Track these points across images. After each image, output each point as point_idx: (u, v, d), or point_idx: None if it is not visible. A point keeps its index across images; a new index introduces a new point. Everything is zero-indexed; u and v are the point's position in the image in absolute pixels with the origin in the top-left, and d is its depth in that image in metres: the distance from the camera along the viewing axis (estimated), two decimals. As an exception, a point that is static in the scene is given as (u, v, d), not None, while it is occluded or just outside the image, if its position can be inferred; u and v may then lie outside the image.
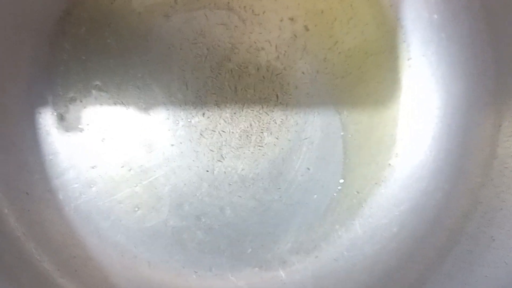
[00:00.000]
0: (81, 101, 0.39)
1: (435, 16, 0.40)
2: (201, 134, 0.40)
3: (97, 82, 0.39)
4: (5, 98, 0.37)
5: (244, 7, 0.40)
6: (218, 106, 0.40)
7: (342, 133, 0.42)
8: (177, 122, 0.40)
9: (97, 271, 0.39)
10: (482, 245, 0.36)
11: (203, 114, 0.40)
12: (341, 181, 0.42)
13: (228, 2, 0.40)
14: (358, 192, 0.42)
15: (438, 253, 0.39)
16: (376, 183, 0.43)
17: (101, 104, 0.39)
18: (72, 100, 0.39)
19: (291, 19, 0.40)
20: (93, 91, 0.39)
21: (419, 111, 0.42)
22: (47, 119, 0.39)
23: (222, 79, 0.40)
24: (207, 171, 0.41)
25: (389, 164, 0.43)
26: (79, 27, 0.39)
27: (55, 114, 0.39)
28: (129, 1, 0.39)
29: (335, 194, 0.42)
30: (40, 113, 0.39)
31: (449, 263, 0.38)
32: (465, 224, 0.38)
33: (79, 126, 0.39)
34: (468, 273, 0.36)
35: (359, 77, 0.41)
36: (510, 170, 0.36)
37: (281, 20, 0.40)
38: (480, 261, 0.35)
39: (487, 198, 0.37)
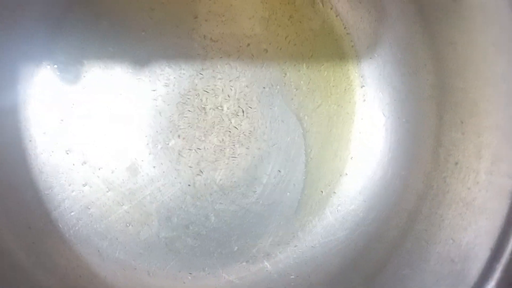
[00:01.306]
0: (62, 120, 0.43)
1: (375, 23, 0.44)
2: (179, 154, 0.45)
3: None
4: (4, 148, 0.41)
5: (204, 36, 0.43)
6: (191, 127, 0.45)
7: (305, 136, 0.46)
8: (156, 146, 0.44)
9: (102, 286, 0.44)
10: (434, 225, 0.41)
11: (179, 136, 0.45)
12: (309, 177, 0.47)
13: (188, 32, 0.43)
14: (326, 185, 0.47)
15: (400, 233, 0.44)
16: (341, 175, 0.48)
17: (84, 129, 0.43)
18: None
19: (248, 45, 0.44)
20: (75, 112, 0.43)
21: (371, 107, 0.47)
22: (37, 159, 0.43)
23: (191, 102, 0.44)
24: (189, 185, 0.45)
25: (351, 157, 0.47)
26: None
27: (43, 156, 0.43)
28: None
29: (305, 190, 0.47)
30: (29, 154, 0.43)
31: (409, 242, 0.43)
32: (420, 206, 0.43)
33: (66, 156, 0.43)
34: (424, 250, 0.41)
35: (316, 85, 0.45)
36: (453, 157, 0.41)
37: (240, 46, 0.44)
38: (433, 239, 0.41)
39: (436, 182, 0.42)
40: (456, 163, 0.40)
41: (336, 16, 0.45)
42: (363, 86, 0.46)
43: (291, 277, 0.47)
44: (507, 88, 0.35)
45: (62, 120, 0.43)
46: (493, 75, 0.36)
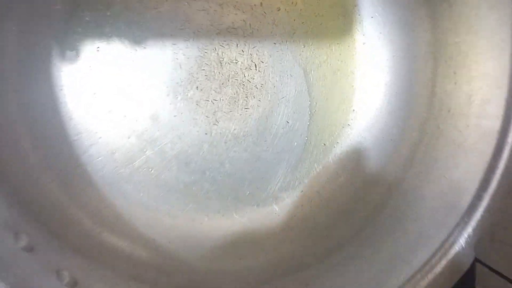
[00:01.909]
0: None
1: (378, -17, 0.48)
2: (197, 104, 0.49)
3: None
4: (37, 95, 0.44)
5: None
6: (208, 79, 0.49)
7: (311, 90, 0.50)
8: (176, 96, 0.48)
9: (127, 225, 0.48)
10: (428, 166, 0.46)
11: (197, 87, 0.48)
12: (315, 128, 0.51)
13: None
14: (330, 135, 0.52)
15: (397, 177, 0.49)
16: (343, 127, 0.52)
17: (110, 79, 0.47)
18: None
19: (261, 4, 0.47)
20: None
21: (372, 63, 0.51)
22: (67, 107, 0.46)
23: (208, 56, 0.48)
24: (206, 133, 0.49)
25: (353, 110, 0.52)
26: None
27: (72, 104, 0.47)
28: None
29: (311, 140, 0.51)
30: (60, 102, 0.46)
31: (405, 183, 0.47)
32: (415, 151, 0.48)
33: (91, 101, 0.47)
34: (419, 189, 0.46)
35: (321, 42, 0.50)
36: (446, 105, 0.45)
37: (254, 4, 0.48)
38: (427, 178, 0.45)
39: (430, 128, 0.47)
40: (449, 110, 0.45)
41: (341, -23, 0.49)
42: (365, 43, 0.50)
43: (298, 218, 0.52)
44: (497, 40, 0.40)
45: (90, 68, 0.46)
46: (484, 29, 0.41)
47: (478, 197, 0.40)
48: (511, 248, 0.39)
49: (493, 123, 0.40)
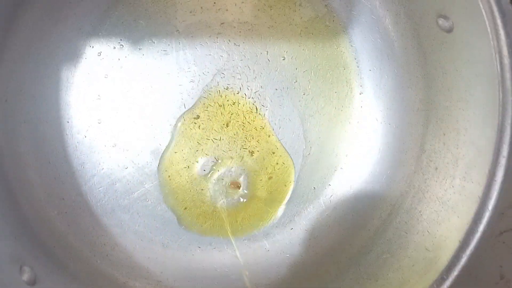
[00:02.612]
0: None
1: (379, 41, 0.50)
2: (198, 142, 0.51)
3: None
4: (45, 127, 0.46)
5: (228, 40, 0.49)
6: (210, 120, 0.51)
7: (307, 134, 0.53)
8: (178, 134, 0.50)
9: (122, 254, 0.50)
10: (413, 218, 0.49)
11: (199, 126, 0.51)
12: (308, 170, 0.54)
13: (215, 36, 0.49)
14: (322, 177, 0.54)
15: (383, 223, 0.51)
16: (335, 170, 0.54)
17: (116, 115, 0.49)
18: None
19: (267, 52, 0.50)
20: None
21: (367, 112, 0.53)
22: (73, 138, 0.48)
23: (212, 98, 0.50)
24: (204, 170, 0.52)
25: (346, 155, 0.54)
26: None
27: (78, 136, 0.48)
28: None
29: (304, 181, 0.54)
30: (67, 134, 0.48)
31: (391, 231, 0.50)
32: (402, 201, 0.50)
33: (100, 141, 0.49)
34: (403, 239, 0.48)
35: (320, 90, 0.52)
36: (434, 163, 0.48)
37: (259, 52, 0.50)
38: (412, 230, 0.48)
39: (417, 182, 0.49)
40: (436, 168, 0.48)
41: (343, 31, 0.51)
42: (362, 93, 0.53)
43: (286, 255, 0.54)
44: (483, 113, 0.42)
45: (97, 106, 0.48)
46: (473, 100, 0.43)
47: (457, 256, 0.43)
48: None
49: (476, 188, 0.43)
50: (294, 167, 0.53)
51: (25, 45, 0.44)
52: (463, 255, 0.43)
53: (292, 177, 0.53)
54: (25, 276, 0.39)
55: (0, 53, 0.43)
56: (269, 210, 0.53)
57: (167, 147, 0.50)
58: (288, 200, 0.54)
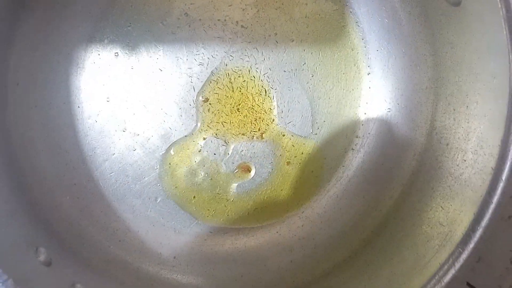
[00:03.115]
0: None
1: (386, 20, 0.51)
2: (208, 126, 0.51)
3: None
4: (56, 112, 0.46)
5: (236, 22, 0.49)
6: (219, 103, 0.51)
7: (317, 116, 0.53)
8: (188, 117, 0.50)
9: (135, 239, 0.50)
10: (426, 195, 0.48)
11: (208, 110, 0.51)
12: (319, 151, 0.54)
13: (223, 19, 0.49)
14: (333, 159, 0.54)
15: (395, 203, 0.51)
16: (346, 151, 0.54)
17: (126, 99, 0.49)
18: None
19: (276, 34, 0.50)
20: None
21: (375, 93, 0.53)
22: (84, 123, 0.48)
23: (221, 81, 0.50)
24: (214, 154, 0.52)
25: (356, 136, 0.54)
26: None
27: (89, 121, 0.48)
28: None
29: (315, 163, 0.54)
30: (77, 119, 0.48)
31: (403, 210, 0.50)
32: (413, 180, 0.50)
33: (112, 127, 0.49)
34: (417, 216, 0.48)
35: (328, 72, 0.52)
36: (444, 139, 0.48)
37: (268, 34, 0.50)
38: (425, 207, 0.48)
39: (429, 160, 0.49)
40: (447, 144, 0.48)
41: (350, 11, 0.52)
42: (369, 73, 0.53)
43: (298, 238, 0.54)
44: (495, 84, 0.42)
45: (107, 91, 0.48)
46: (484, 72, 0.43)
47: (472, 228, 0.43)
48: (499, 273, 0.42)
49: (489, 160, 0.43)
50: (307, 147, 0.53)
51: (36, 28, 0.44)
52: (479, 227, 0.42)
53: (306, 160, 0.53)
54: (41, 257, 0.39)
55: (11, 38, 0.43)
56: (282, 198, 0.53)
57: (177, 130, 0.50)
58: (298, 183, 0.54)
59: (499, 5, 0.39)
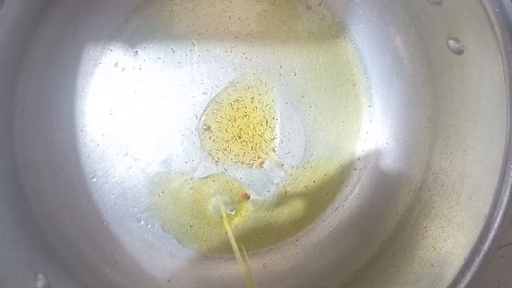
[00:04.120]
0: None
1: (389, 58, 0.51)
2: (209, 153, 0.52)
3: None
4: (60, 135, 0.47)
5: (242, 54, 0.50)
6: (221, 131, 0.51)
7: (316, 148, 0.54)
8: (189, 144, 0.51)
9: (131, 261, 0.51)
10: (419, 233, 0.49)
11: (210, 137, 0.51)
12: (316, 183, 0.54)
13: (229, 50, 0.50)
14: (330, 191, 0.55)
15: (388, 237, 0.52)
16: (342, 183, 0.55)
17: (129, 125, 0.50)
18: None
19: (281, 66, 0.51)
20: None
21: (375, 127, 0.54)
22: (86, 146, 0.49)
23: (224, 110, 0.51)
24: (214, 180, 0.52)
25: (354, 169, 0.55)
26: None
27: (92, 144, 0.49)
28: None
29: (311, 195, 0.55)
30: (80, 143, 0.49)
31: (396, 246, 0.51)
32: (407, 217, 0.51)
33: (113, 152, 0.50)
34: (408, 254, 0.49)
35: (329, 105, 0.53)
36: (440, 180, 0.49)
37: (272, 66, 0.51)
38: (417, 246, 0.49)
39: (423, 198, 0.50)
40: (442, 185, 0.49)
41: (354, 47, 0.52)
42: (370, 108, 0.54)
43: (291, 266, 0.55)
44: (492, 132, 0.43)
45: (111, 115, 0.49)
46: (481, 120, 0.44)
47: (462, 273, 0.44)
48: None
49: (482, 207, 0.44)
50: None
51: (43, 55, 0.45)
52: (468, 272, 0.43)
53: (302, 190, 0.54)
54: (40, 283, 0.39)
55: (19, 62, 0.43)
56: (279, 223, 0.54)
57: (178, 156, 0.51)
58: (294, 212, 0.54)
59: (500, 59, 0.40)
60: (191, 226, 0.52)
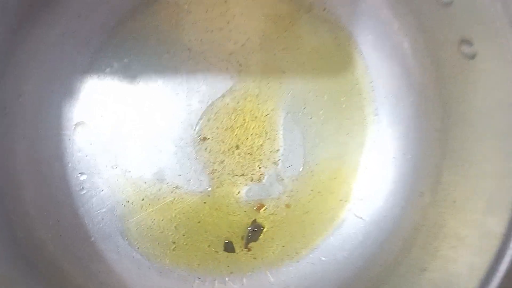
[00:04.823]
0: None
1: (395, 68, 0.49)
2: (204, 165, 0.49)
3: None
4: (45, 144, 0.44)
5: (240, 62, 0.48)
6: (217, 143, 0.49)
7: (318, 161, 0.51)
8: (183, 156, 0.48)
9: (118, 282, 0.47)
10: (428, 254, 0.46)
11: (205, 149, 0.48)
12: (317, 200, 0.51)
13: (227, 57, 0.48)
14: (332, 208, 0.52)
15: (395, 258, 0.49)
16: (345, 201, 0.52)
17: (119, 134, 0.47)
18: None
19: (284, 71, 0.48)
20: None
21: (380, 140, 0.51)
22: (73, 156, 0.46)
23: (221, 119, 0.48)
24: (209, 195, 0.49)
25: (358, 184, 0.52)
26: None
27: (79, 154, 0.46)
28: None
29: (312, 212, 0.51)
30: (67, 152, 0.46)
31: (403, 267, 0.47)
32: (415, 236, 0.48)
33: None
34: (417, 276, 0.46)
35: (332, 116, 0.50)
36: (450, 195, 0.46)
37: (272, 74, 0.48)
38: (426, 267, 0.45)
39: (433, 216, 0.47)
40: (454, 202, 0.45)
41: (360, 56, 0.50)
42: (376, 120, 0.51)
43: (290, 289, 0.51)
44: (505, 143, 0.40)
45: (100, 123, 0.46)
46: (494, 131, 0.41)
47: (477, 298, 0.40)
48: None
49: (498, 223, 0.40)
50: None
51: (29, 58, 0.43)
52: (484, 297, 0.40)
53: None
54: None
55: (3, 64, 0.41)
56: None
57: (171, 169, 0.48)
58: (296, 229, 0.51)
59: (516, 64, 0.37)
60: (184, 244, 0.49)
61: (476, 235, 0.42)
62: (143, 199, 0.48)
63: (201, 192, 0.49)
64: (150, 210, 0.48)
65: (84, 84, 0.46)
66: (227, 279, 0.50)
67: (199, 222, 0.49)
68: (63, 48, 0.45)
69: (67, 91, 0.45)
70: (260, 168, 0.50)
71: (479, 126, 0.43)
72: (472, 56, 0.42)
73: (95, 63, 0.46)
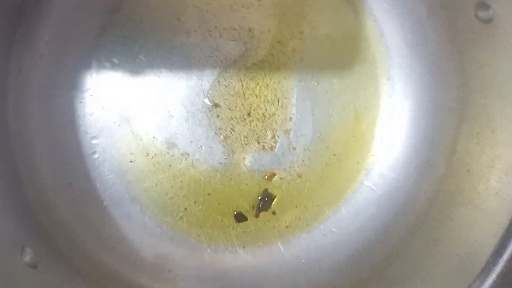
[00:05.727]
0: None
1: (410, 35, 0.48)
2: (215, 133, 0.48)
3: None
4: (57, 106, 0.44)
5: (251, 29, 0.47)
6: (230, 109, 0.48)
7: (332, 132, 0.50)
8: (195, 122, 0.48)
9: (129, 248, 0.47)
10: (442, 224, 0.45)
11: (217, 116, 0.48)
12: (330, 171, 0.51)
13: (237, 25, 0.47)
14: (344, 179, 0.51)
15: (409, 230, 0.48)
16: (358, 172, 0.51)
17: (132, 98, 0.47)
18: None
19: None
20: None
21: (395, 112, 0.51)
22: (85, 119, 0.46)
23: (233, 86, 0.48)
24: (220, 163, 0.49)
25: (372, 155, 0.51)
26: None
27: (91, 118, 0.46)
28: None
29: (324, 183, 0.51)
30: (79, 115, 0.46)
31: (417, 238, 0.47)
32: (429, 207, 0.47)
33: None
34: (432, 246, 0.45)
35: (346, 86, 0.50)
36: (465, 164, 0.45)
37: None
38: (441, 237, 0.45)
39: (447, 186, 0.46)
40: (468, 170, 0.45)
41: (374, 24, 0.49)
42: (390, 90, 0.50)
43: (302, 260, 0.51)
44: (526, 107, 0.40)
45: (113, 85, 0.46)
46: (512, 96, 0.41)
47: (493, 262, 0.39)
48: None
49: (514, 189, 0.40)
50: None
51: (45, 18, 0.42)
52: (500, 261, 0.39)
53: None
54: (27, 258, 0.36)
55: (17, 23, 0.41)
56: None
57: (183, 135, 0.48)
58: (308, 200, 0.51)
59: (536, 23, 0.36)
60: (195, 212, 0.49)
61: (491, 202, 0.42)
62: (154, 165, 0.47)
63: (212, 160, 0.48)
64: (161, 176, 0.48)
65: (98, 47, 0.46)
66: (238, 248, 0.50)
67: (210, 191, 0.49)
68: (79, 10, 0.44)
69: (81, 54, 0.45)
70: (272, 137, 0.49)
71: (498, 93, 0.42)
72: (489, 20, 0.41)
73: (108, 27, 0.46)
